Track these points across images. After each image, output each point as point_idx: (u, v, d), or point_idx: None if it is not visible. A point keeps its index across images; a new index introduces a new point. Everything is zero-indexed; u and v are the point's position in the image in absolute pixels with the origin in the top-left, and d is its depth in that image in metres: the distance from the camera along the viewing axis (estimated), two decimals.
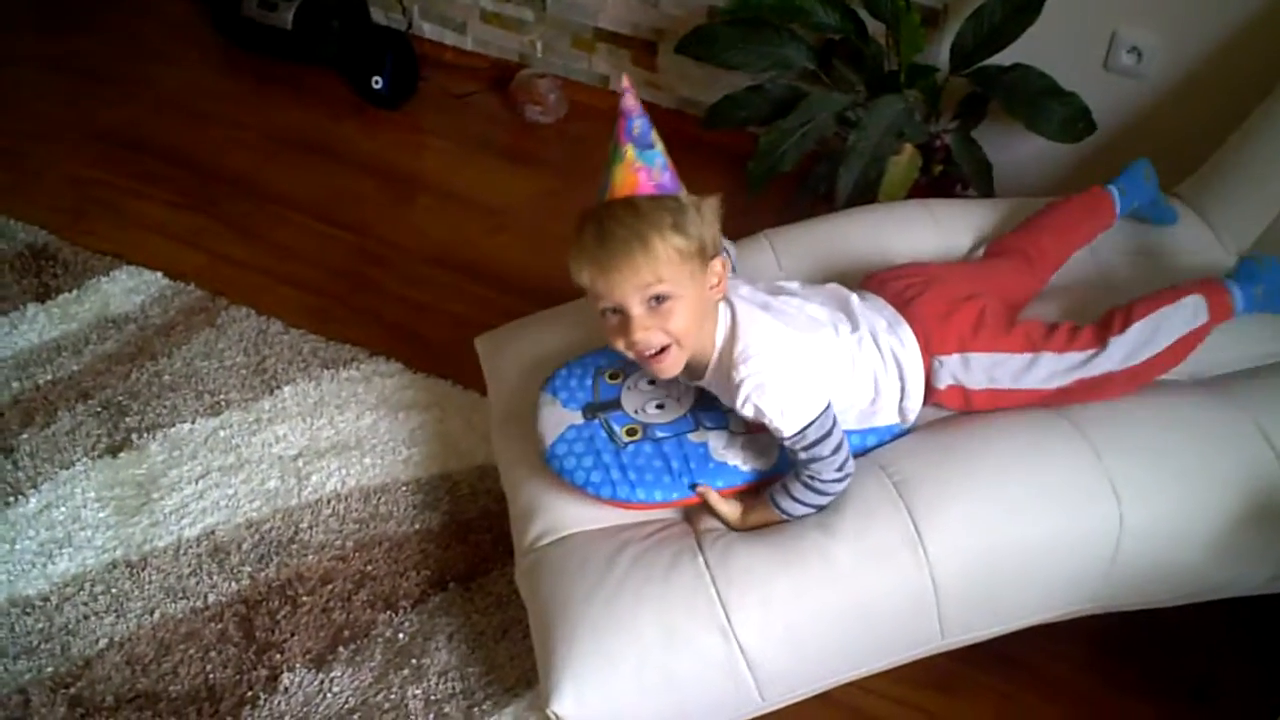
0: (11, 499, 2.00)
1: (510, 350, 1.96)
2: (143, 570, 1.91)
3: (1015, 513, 1.55)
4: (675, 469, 1.62)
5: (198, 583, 1.89)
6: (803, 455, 1.52)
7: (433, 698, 1.74)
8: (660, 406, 1.70)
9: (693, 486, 1.62)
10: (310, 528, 1.98)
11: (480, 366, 2.00)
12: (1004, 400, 1.65)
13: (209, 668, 1.78)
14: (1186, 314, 1.66)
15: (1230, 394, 1.70)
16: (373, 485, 2.04)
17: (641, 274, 1.44)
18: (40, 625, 1.83)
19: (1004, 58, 2.38)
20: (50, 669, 1.77)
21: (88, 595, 1.87)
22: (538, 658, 1.57)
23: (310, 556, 1.93)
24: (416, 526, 1.99)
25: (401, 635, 1.82)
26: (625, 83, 1.50)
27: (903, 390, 1.64)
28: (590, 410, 1.72)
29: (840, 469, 1.53)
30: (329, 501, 2.02)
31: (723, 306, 1.56)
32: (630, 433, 1.67)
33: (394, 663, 1.78)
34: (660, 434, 1.66)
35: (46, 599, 1.86)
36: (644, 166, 1.45)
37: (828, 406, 1.52)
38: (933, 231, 1.96)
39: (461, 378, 2.22)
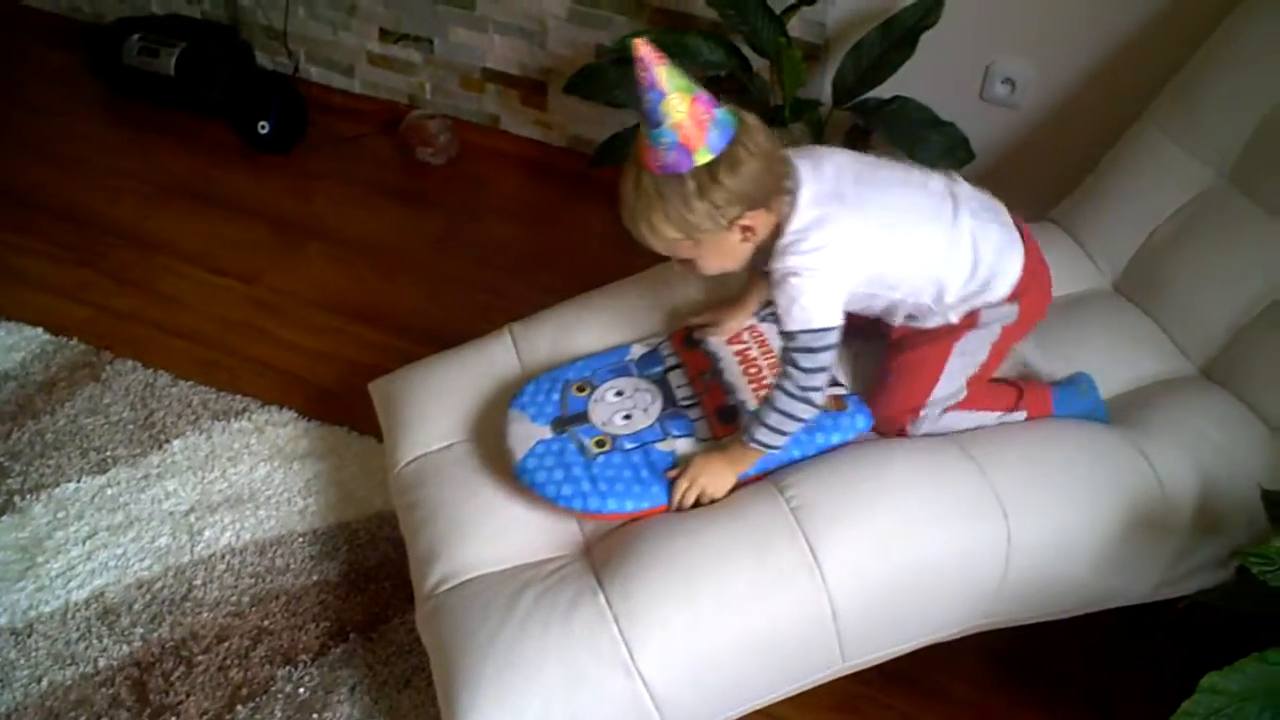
0: None
1: (405, 394, 1.94)
2: (29, 637, 1.84)
3: (909, 534, 1.57)
4: (645, 478, 1.65)
5: (87, 647, 1.83)
6: (788, 349, 1.56)
7: None
8: (627, 417, 1.73)
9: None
10: (204, 584, 1.93)
11: (376, 412, 1.98)
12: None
13: None
14: (1008, 419, 1.74)
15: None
16: (268, 538, 2.00)
17: (652, 245, 1.53)
18: None
19: (885, 90, 2.43)
20: None
21: None
22: (441, 705, 1.55)
23: (205, 614, 1.89)
24: (314, 578, 1.95)
25: (302, 690, 1.78)
26: (638, 51, 1.40)
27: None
28: (559, 424, 1.74)
29: (804, 389, 1.55)
30: (223, 556, 1.97)
31: (789, 198, 1.56)
32: (599, 444, 1.69)
33: (295, 719, 1.75)
34: (628, 445, 1.68)
35: None
36: (650, 146, 1.45)
37: (833, 329, 1.54)
38: None
39: (357, 424, 2.20)
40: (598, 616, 1.53)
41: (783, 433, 1.59)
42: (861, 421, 1.72)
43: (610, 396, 1.78)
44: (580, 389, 1.80)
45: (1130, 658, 1.90)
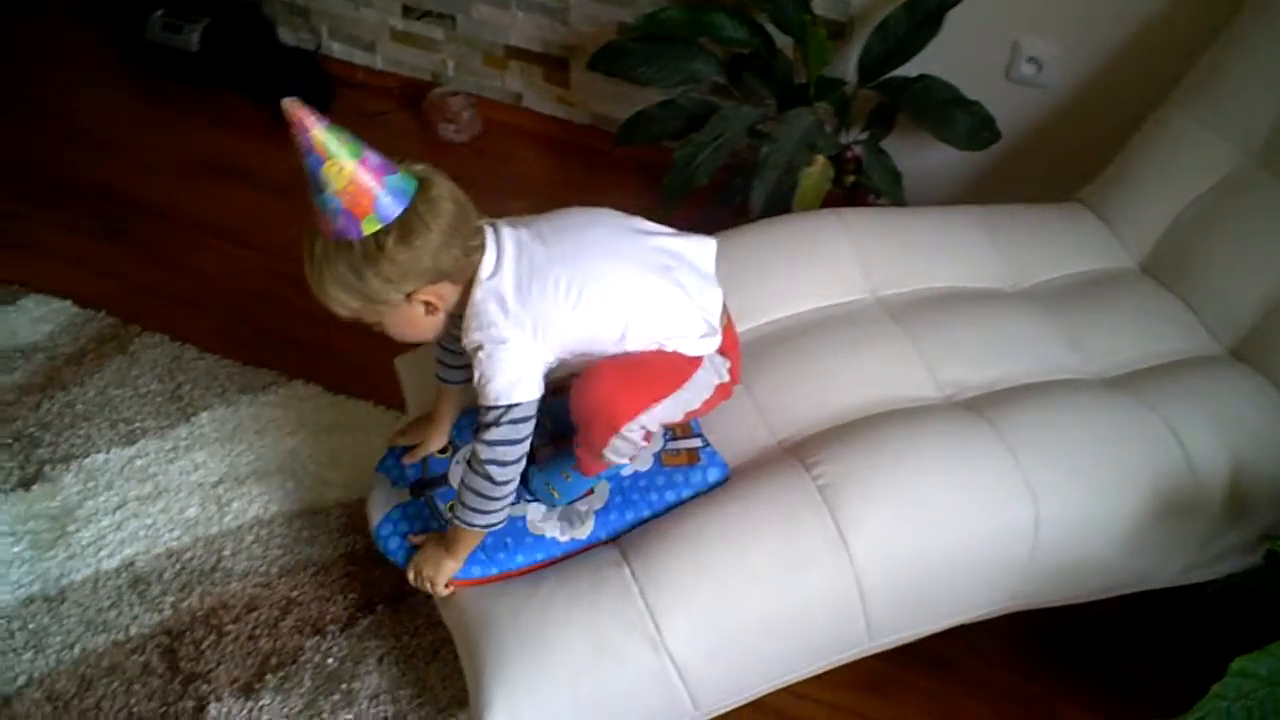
0: None
1: (430, 369, 1.94)
2: (61, 604, 1.86)
3: (937, 514, 1.58)
4: (490, 543, 1.61)
5: (118, 615, 1.85)
6: (479, 421, 1.50)
7: None
8: None
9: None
10: (233, 555, 1.95)
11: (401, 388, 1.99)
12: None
13: (133, 701, 1.74)
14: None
15: (1137, 391, 1.76)
16: (296, 510, 2.02)
17: (335, 312, 1.45)
18: None
19: (910, 69, 2.43)
20: None
21: (4, 632, 1.82)
22: (468, 678, 1.57)
23: (234, 584, 1.91)
24: (342, 550, 1.97)
25: (330, 660, 1.80)
26: (291, 111, 1.32)
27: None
28: (417, 488, 1.72)
29: (484, 463, 1.48)
30: (251, 528, 1.99)
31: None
32: (453, 508, 1.65)
33: (323, 688, 1.76)
34: None
35: None
36: (319, 212, 1.36)
37: (524, 404, 1.46)
38: (845, 239, 2.00)
39: (383, 398, 2.21)
40: (624, 590, 1.54)
41: (482, 510, 1.53)
42: (714, 474, 1.68)
43: None
44: (443, 450, 1.77)
45: (1158, 641, 1.91)
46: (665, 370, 1.57)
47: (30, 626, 1.83)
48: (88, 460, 2.09)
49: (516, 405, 1.47)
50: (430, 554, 1.61)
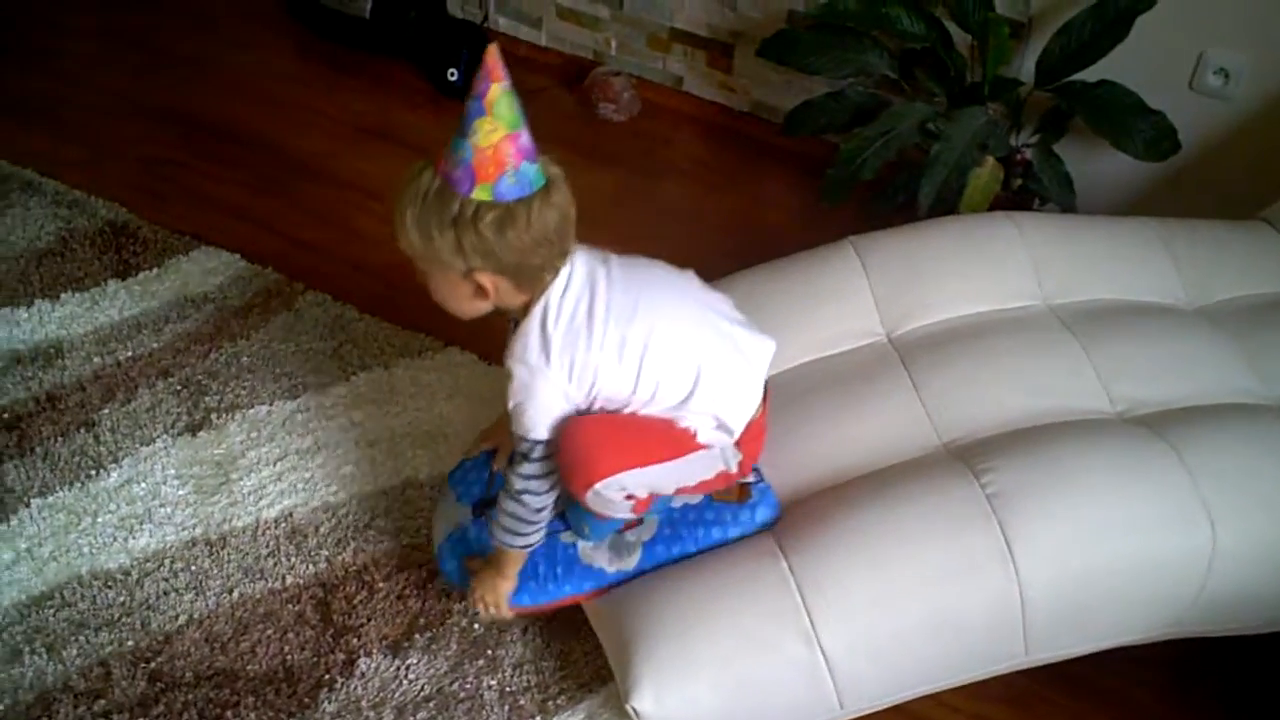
0: (93, 472, 2.02)
1: None
2: (222, 549, 1.92)
3: (1109, 533, 1.54)
4: (542, 573, 1.64)
5: (276, 564, 1.91)
6: (516, 451, 1.51)
7: (508, 689, 1.75)
8: None
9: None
10: (387, 513, 1.98)
11: None
12: None
13: (286, 649, 1.79)
14: None
15: None
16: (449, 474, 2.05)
17: (397, 236, 1.43)
18: (121, 599, 1.85)
19: (1088, 74, 2.36)
20: (131, 643, 1.79)
21: (168, 571, 1.89)
22: (611, 656, 1.60)
23: (386, 542, 1.94)
24: None
25: (477, 626, 1.83)
26: (489, 56, 1.35)
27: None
28: (480, 507, 1.75)
29: (518, 492, 1.51)
30: (405, 488, 2.02)
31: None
32: (491, 530, 1.65)
33: (469, 653, 1.79)
34: None
35: (127, 573, 1.88)
36: (447, 150, 1.37)
37: (540, 443, 1.48)
38: (1019, 243, 1.96)
39: None
40: (780, 581, 1.54)
41: (518, 533, 1.55)
42: (763, 514, 1.66)
43: None
44: None
45: None
46: (661, 439, 1.53)
47: (192, 568, 1.90)
48: (251, 411, 2.15)
49: (539, 443, 1.48)
50: (485, 579, 1.66)
